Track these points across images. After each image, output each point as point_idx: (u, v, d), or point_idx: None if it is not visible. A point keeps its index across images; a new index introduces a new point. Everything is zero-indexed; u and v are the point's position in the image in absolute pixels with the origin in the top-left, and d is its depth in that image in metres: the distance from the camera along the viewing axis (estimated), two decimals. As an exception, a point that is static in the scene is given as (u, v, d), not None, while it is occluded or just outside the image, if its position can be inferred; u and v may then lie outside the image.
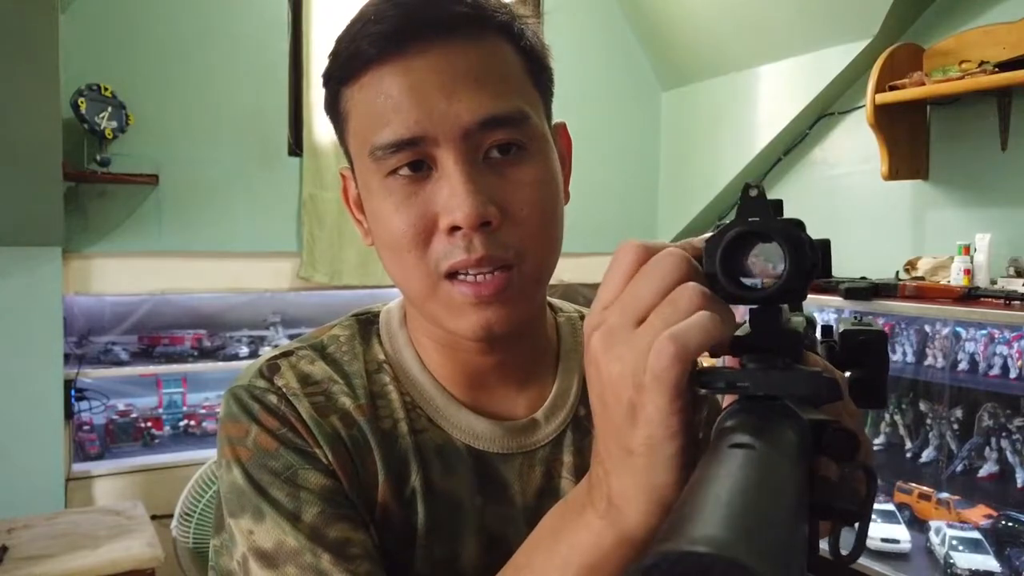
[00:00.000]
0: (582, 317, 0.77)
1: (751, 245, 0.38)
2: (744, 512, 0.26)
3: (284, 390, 0.64)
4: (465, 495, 0.65)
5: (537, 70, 0.64)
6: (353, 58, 0.60)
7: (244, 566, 0.60)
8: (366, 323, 0.72)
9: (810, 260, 0.37)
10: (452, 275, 0.59)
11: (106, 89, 2.60)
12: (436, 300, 0.60)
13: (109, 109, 2.60)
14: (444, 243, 0.58)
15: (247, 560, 0.59)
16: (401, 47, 0.58)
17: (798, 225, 0.38)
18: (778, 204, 0.38)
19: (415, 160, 0.59)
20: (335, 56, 0.62)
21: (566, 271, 2.75)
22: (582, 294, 3.14)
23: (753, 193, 0.38)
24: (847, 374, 0.51)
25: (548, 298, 0.74)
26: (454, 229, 0.58)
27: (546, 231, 0.61)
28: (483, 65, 0.59)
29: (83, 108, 2.54)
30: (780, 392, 0.35)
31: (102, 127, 2.59)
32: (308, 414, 0.63)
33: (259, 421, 0.62)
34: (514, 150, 0.60)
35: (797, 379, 0.35)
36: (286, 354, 0.68)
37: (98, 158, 2.61)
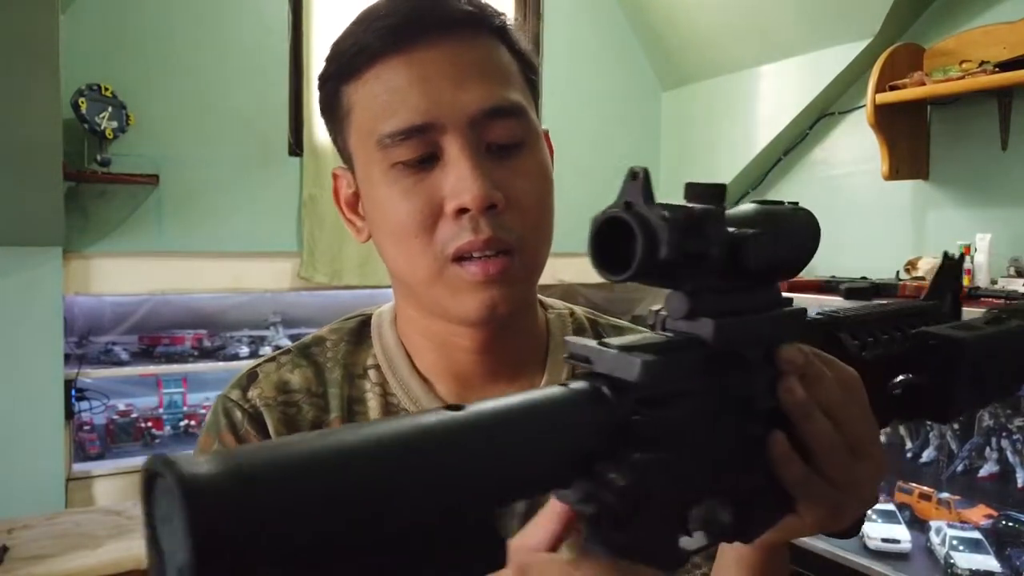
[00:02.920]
0: (572, 314, 0.79)
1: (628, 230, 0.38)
2: None
3: (257, 401, 0.66)
4: None
5: (529, 73, 0.67)
6: (359, 53, 0.61)
7: None
8: (360, 324, 0.73)
9: (667, 243, 0.35)
10: (459, 259, 0.61)
11: (106, 89, 2.59)
12: (442, 283, 0.62)
13: (109, 109, 2.59)
14: (451, 226, 0.60)
15: None
16: (407, 41, 0.60)
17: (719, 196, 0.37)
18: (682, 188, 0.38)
19: (422, 152, 0.60)
20: (337, 55, 0.64)
21: (566, 271, 2.74)
22: (582, 294, 3.14)
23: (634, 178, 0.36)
24: (900, 377, 0.48)
25: (539, 296, 0.76)
26: (462, 211, 0.59)
27: (544, 221, 0.64)
28: (485, 60, 0.62)
29: (83, 108, 2.54)
30: None
31: (102, 127, 2.58)
32: (274, 429, 0.65)
33: (221, 438, 0.65)
34: (515, 142, 0.62)
35: None
36: (273, 359, 0.70)
37: (98, 158, 2.61)
